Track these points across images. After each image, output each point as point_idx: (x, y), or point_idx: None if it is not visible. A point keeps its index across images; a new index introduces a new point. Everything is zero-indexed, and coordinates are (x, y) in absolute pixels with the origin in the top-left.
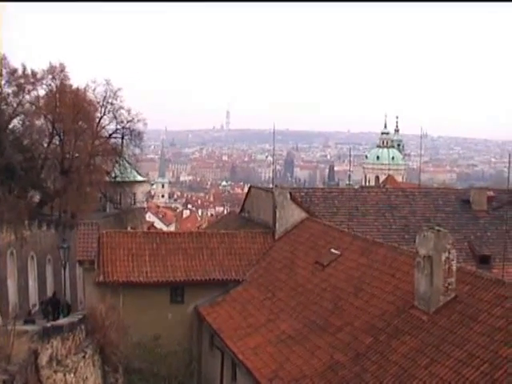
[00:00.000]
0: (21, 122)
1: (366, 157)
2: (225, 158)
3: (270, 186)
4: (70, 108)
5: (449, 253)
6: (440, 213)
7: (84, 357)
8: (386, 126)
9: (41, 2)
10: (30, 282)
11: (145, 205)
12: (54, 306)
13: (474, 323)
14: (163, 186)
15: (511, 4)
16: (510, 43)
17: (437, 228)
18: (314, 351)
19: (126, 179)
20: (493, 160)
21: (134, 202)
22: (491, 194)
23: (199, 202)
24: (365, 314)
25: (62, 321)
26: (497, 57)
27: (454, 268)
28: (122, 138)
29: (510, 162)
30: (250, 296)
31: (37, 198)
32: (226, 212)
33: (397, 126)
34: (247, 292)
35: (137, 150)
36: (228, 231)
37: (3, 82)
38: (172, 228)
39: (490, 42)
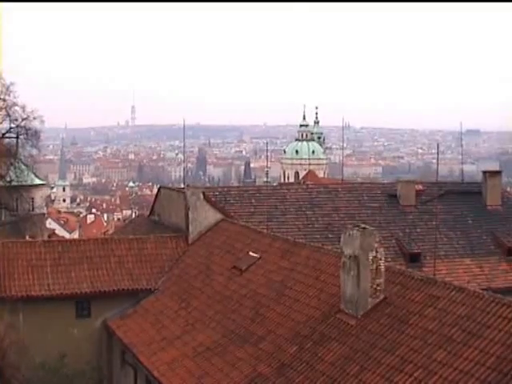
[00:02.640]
0: None
1: (284, 151)
2: (131, 156)
3: (182, 185)
4: None
5: (376, 252)
6: (365, 209)
7: None
8: (304, 118)
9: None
10: None
11: (44, 210)
12: None
13: (405, 326)
14: (64, 190)
15: None
16: (437, 33)
17: (362, 225)
18: (234, 363)
19: (23, 183)
20: (420, 151)
21: (33, 208)
22: (419, 187)
23: (104, 205)
24: (288, 321)
25: None
26: (424, 46)
27: (382, 268)
28: (17, 137)
29: (438, 153)
30: (164, 306)
31: None
32: (134, 216)
33: (316, 118)
34: (160, 302)
35: (34, 151)
36: (137, 236)
37: None
38: (75, 235)
39: (416, 30)
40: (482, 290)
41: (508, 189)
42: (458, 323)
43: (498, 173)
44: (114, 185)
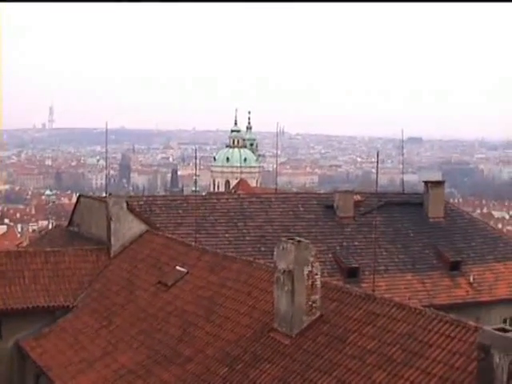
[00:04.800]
0: None
1: (214, 158)
2: (48, 162)
3: (103, 194)
4: None
5: (312, 266)
6: (300, 221)
7: None
8: (236, 123)
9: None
10: None
11: None
12: None
13: (342, 345)
14: None
15: None
16: (373, 37)
17: (297, 238)
18: None
19: None
20: (359, 160)
21: None
22: (358, 197)
23: (18, 215)
24: (218, 341)
25: None
26: (361, 49)
27: (319, 283)
28: None
29: (377, 162)
30: (83, 325)
31: None
32: (51, 226)
33: (249, 123)
34: (79, 320)
35: None
36: (54, 249)
37: None
38: None
39: (351, 34)
40: (424, 306)
41: (451, 200)
42: (398, 342)
43: (440, 183)
44: (29, 193)
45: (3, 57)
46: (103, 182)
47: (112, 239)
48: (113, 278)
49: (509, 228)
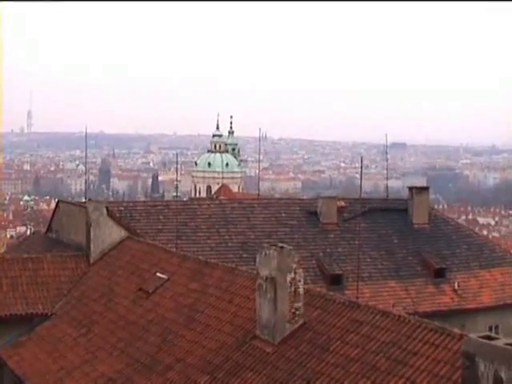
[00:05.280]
0: None
1: (196, 163)
2: (27, 167)
3: (83, 199)
4: None
5: (295, 273)
6: (283, 227)
7: None
8: (218, 128)
9: None
10: None
11: None
12: None
13: (326, 354)
14: None
15: None
16: (355, 40)
17: (280, 245)
18: None
19: None
20: (342, 165)
21: None
22: (342, 203)
23: None
24: (199, 349)
25: None
26: (345, 53)
27: (302, 290)
28: None
29: (361, 167)
30: (61, 333)
31: None
32: (29, 232)
33: (231, 127)
34: (57, 328)
35: None
36: (32, 255)
37: None
38: None
39: (331, 38)
40: (408, 314)
41: (436, 206)
42: (382, 350)
43: (425, 189)
44: (7, 198)
45: None
46: (82, 187)
47: (91, 246)
48: (92, 285)
49: (494, 234)
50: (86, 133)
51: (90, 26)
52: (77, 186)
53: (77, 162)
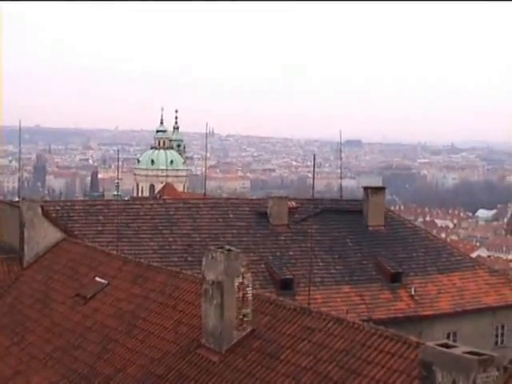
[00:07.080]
0: None
1: (138, 161)
2: None
3: (16, 198)
4: None
5: (243, 277)
6: (231, 228)
7: None
8: (162, 123)
9: None
10: None
11: None
12: None
13: (275, 362)
14: None
15: None
16: (311, 34)
17: (227, 247)
18: None
19: None
20: (294, 163)
21: None
22: (293, 204)
23: None
24: (140, 358)
25: None
26: (298, 49)
27: (250, 296)
28: None
29: (314, 166)
30: None
31: None
32: None
33: (176, 123)
34: None
35: None
36: None
37: None
38: None
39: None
40: (363, 321)
41: (392, 207)
42: (335, 359)
43: (380, 189)
44: None
45: None
46: (16, 185)
47: (25, 248)
48: (26, 291)
49: (453, 238)
50: (20, 126)
51: (44, 18)
52: (9, 184)
53: (10, 158)
